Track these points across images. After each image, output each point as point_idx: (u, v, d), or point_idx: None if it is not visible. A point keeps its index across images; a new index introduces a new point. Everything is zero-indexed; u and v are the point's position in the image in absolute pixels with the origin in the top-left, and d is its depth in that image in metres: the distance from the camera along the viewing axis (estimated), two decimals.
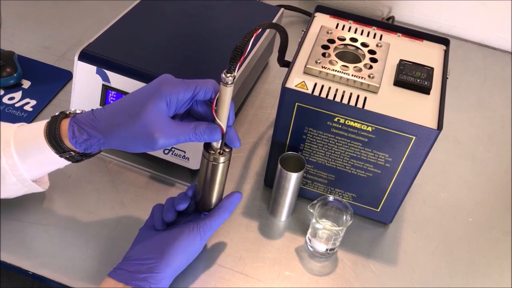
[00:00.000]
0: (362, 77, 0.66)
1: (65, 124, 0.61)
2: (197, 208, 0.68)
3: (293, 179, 0.69)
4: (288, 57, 0.75)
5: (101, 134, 0.59)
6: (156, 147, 0.58)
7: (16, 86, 0.89)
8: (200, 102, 0.62)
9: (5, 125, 0.63)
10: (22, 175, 0.62)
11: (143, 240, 0.64)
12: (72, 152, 0.61)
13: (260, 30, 0.59)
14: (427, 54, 0.74)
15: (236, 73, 0.57)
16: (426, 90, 0.67)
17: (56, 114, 0.62)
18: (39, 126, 0.62)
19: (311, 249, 0.72)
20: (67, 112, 0.63)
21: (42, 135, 0.61)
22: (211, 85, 0.60)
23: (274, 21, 0.89)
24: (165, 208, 0.66)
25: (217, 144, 0.62)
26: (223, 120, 0.59)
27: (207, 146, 0.63)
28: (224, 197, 0.67)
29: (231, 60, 0.56)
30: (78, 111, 0.63)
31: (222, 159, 0.62)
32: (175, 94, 0.59)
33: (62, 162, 0.63)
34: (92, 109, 0.61)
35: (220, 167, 0.63)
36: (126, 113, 0.58)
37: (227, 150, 0.63)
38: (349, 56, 0.71)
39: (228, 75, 0.56)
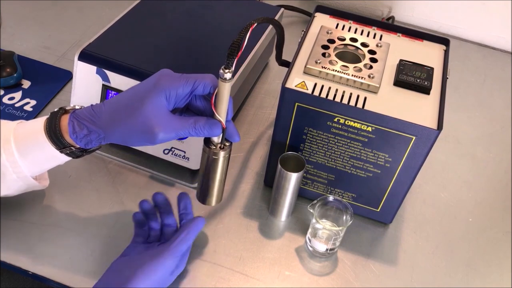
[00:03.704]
0: (362, 77, 0.66)
1: (65, 119, 0.61)
2: (200, 201, 0.68)
3: (293, 179, 0.69)
4: (288, 57, 0.75)
5: (101, 129, 0.59)
6: (156, 141, 0.58)
7: (16, 86, 0.89)
8: (199, 96, 0.62)
9: (5, 123, 0.63)
10: (22, 172, 0.62)
11: (113, 269, 0.63)
12: (72, 148, 0.61)
13: (256, 24, 0.58)
14: (427, 54, 0.74)
15: (236, 72, 0.57)
16: (426, 90, 0.67)
17: (56, 110, 0.62)
18: (39, 123, 0.62)
19: (311, 249, 0.72)
20: (67, 108, 0.63)
21: (42, 131, 0.61)
22: (210, 80, 0.60)
23: None
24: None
25: (217, 139, 0.62)
26: (222, 115, 0.60)
27: (207, 141, 0.63)
28: (187, 222, 0.66)
29: (228, 56, 0.56)
30: (77, 107, 0.63)
31: (222, 153, 0.63)
32: (174, 88, 0.59)
33: (63, 158, 0.63)
34: (92, 104, 0.61)
35: (220, 161, 0.63)
36: (126, 107, 0.58)
37: (227, 144, 0.63)
38: (349, 56, 0.71)
39: (226, 70, 0.56)
